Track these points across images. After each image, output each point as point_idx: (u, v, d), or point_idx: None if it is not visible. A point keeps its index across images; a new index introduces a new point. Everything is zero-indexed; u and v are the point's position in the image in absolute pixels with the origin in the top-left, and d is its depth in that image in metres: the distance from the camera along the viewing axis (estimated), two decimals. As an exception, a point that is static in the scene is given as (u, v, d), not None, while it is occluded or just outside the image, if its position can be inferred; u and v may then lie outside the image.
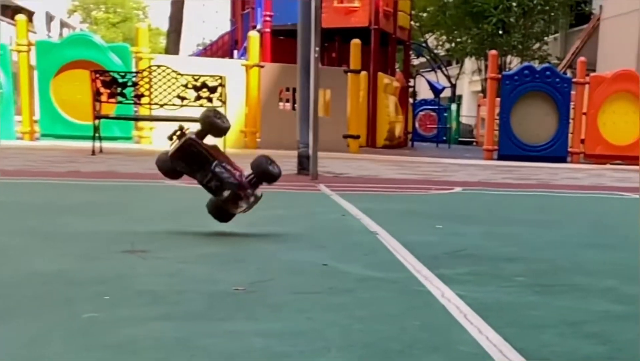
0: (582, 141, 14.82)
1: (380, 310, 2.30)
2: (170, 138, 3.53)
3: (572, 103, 14.65)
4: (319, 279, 2.72)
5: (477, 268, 3.05)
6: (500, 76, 14.96)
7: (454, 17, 32.97)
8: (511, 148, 14.37)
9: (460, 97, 45.31)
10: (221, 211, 3.66)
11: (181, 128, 3.52)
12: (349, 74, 14.30)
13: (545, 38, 33.24)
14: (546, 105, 14.33)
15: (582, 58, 15.16)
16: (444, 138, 26.71)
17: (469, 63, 40.27)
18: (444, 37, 36.36)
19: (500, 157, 14.42)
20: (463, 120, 37.63)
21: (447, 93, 28.37)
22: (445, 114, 28.04)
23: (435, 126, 27.46)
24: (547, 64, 16.57)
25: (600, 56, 22.01)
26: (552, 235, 4.29)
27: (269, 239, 3.65)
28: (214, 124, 3.54)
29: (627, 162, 14.17)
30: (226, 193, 3.53)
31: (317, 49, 7.95)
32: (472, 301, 2.42)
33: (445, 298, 2.47)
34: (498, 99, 14.76)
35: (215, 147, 3.61)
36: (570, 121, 14.67)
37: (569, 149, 14.78)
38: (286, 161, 10.04)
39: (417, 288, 2.62)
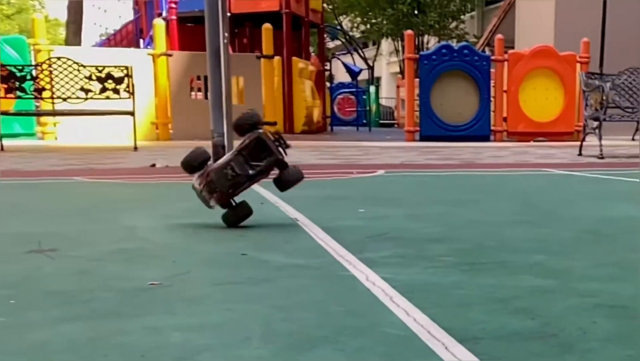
0: (505, 119, 15.16)
1: (303, 297, 2.30)
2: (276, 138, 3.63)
3: (492, 81, 14.96)
4: (238, 270, 2.71)
5: (401, 250, 3.08)
6: (417, 56, 15.15)
7: (367, -2, 33.18)
8: (433, 129, 14.59)
9: (378, 79, 45.75)
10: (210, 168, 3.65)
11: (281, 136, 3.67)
12: (262, 59, 14.26)
13: (462, 16, 33.81)
14: (466, 84, 14.59)
15: (499, 35, 15.48)
16: (364, 121, 26.92)
17: (386, 44, 40.65)
18: (359, 19, 36.58)
19: (422, 139, 14.63)
20: (383, 102, 37.98)
21: (364, 75, 28.57)
22: (364, 97, 28.24)
23: (355, 109, 27.64)
24: (465, 43, 16.86)
25: (518, 33, 22.49)
26: (477, 214, 4.37)
27: (185, 232, 3.61)
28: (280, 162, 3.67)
29: (550, 138, 14.57)
30: (218, 179, 3.57)
31: (227, 35, 7.87)
32: (397, 283, 2.44)
33: (370, 281, 2.49)
34: (417, 79, 14.95)
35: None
36: (492, 99, 14.98)
37: (492, 128, 15.10)
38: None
39: (341, 273, 2.63)
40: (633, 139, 15.39)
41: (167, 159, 8.39)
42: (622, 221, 4.09)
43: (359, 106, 27.59)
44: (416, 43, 28.49)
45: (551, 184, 6.86)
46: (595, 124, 10.39)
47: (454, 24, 32.94)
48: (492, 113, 15.05)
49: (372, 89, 32.70)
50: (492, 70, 14.95)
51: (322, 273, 2.65)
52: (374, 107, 32.20)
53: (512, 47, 19.05)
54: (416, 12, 31.81)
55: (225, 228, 3.68)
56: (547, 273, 2.65)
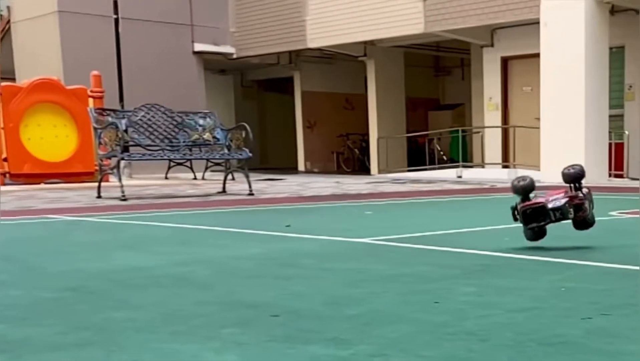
0: (6, 160, 14.64)
1: None
2: (515, 219, 4.77)
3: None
4: None
5: None
6: None
7: None
8: None
9: None
10: (583, 222, 4.84)
11: (515, 207, 4.75)
12: None
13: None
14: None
15: (-12, 67, 14.97)
16: None
17: None
18: None
19: None
20: None
21: None
22: None
23: None
24: None
25: (19, 63, 21.94)
26: None
27: None
28: (523, 186, 4.78)
29: (67, 180, 14.41)
30: (571, 213, 4.72)
31: None
32: None
33: None
34: None
35: (535, 196, 4.81)
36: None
37: (-10, 171, 14.44)
38: None
39: None
40: (166, 178, 16.03)
41: None
42: (120, 273, 3.99)
43: None
44: None
45: (50, 233, 6.65)
46: (114, 163, 10.51)
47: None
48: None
49: None
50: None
51: None
52: None
53: (14, 80, 18.60)
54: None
55: None
56: (2, 347, 2.39)
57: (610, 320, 2.72)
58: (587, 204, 4.78)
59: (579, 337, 2.47)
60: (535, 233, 4.80)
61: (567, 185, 4.85)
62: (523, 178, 4.84)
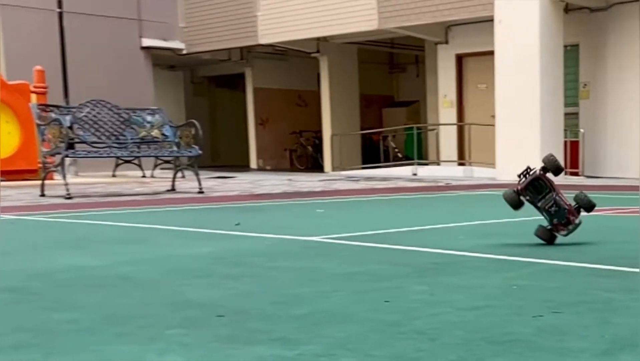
0: None
1: None
2: (519, 176, 4.94)
3: None
4: None
5: None
6: None
7: None
8: None
9: None
10: (551, 234, 4.93)
11: (528, 168, 4.96)
12: None
13: None
14: None
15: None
16: None
17: None
18: None
19: None
20: None
21: None
22: None
23: None
24: None
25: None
26: None
27: None
28: (556, 163, 4.98)
29: (6, 177, 14.21)
30: (555, 220, 4.89)
31: None
32: None
33: None
34: None
35: (553, 181, 4.98)
36: None
37: None
38: None
39: None
40: (114, 176, 15.89)
41: None
42: (63, 273, 3.94)
43: None
44: None
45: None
46: (59, 160, 10.38)
47: None
48: None
49: None
50: None
51: None
52: None
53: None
54: None
55: None
56: None
57: (562, 318, 2.75)
58: (568, 228, 4.93)
59: (529, 335, 2.49)
60: (517, 200, 4.95)
61: (574, 204, 5.00)
62: (557, 160, 5.04)
